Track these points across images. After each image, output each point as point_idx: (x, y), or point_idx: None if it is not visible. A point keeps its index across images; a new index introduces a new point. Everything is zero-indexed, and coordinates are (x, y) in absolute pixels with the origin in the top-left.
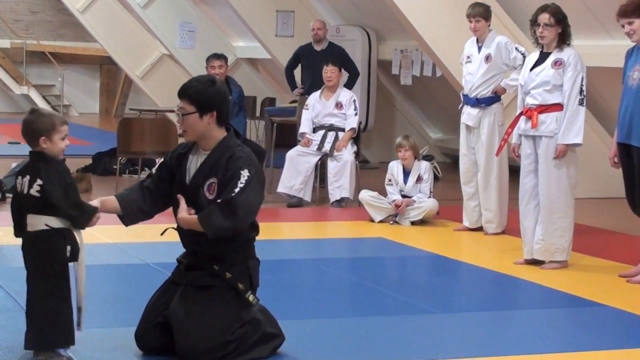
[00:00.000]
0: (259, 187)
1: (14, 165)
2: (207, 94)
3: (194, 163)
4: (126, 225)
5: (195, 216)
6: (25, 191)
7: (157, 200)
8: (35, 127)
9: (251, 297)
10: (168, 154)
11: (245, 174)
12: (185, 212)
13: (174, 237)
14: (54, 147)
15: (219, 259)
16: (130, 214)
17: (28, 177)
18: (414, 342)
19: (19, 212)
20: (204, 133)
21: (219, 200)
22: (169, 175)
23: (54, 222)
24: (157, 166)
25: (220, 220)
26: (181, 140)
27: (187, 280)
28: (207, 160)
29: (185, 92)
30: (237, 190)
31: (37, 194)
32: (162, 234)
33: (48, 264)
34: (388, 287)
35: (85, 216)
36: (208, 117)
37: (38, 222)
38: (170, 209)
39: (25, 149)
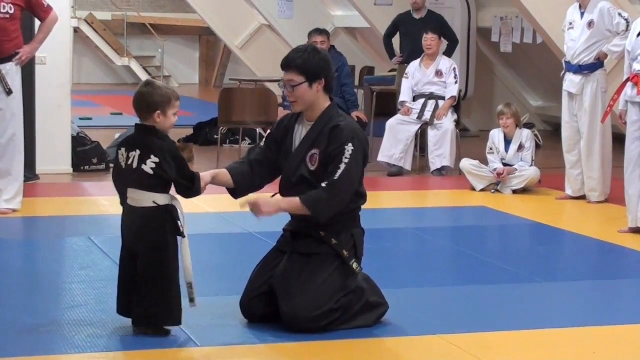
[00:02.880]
0: (361, 158)
1: (117, 135)
2: (314, 63)
3: (299, 133)
4: (236, 198)
5: (296, 199)
6: (135, 165)
7: (265, 171)
8: (151, 100)
9: (355, 265)
10: (274, 125)
11: (349, 149)
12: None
13: None
14: (166, 122)
15: (325, 226)
16: (243, 188)
17: (138, 151)
18: (518, 311)
19: (122, 184)
20: (313, 102)
21: (324, 184)
22: (276, 146)
23: (161, 199)
24: (264, 138)
25: (328, 205)
26: (281, 110)
27: (292, 247)
28: (311, 131)
29: (291, 63)
30: (341, 168)
31: (151, 171)
32: (272, 197)
33: (157, 241)
34: (490, 256)
35: (197, 185)
36: (317, 85)
37: (144, 199)
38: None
39: (127, 120)
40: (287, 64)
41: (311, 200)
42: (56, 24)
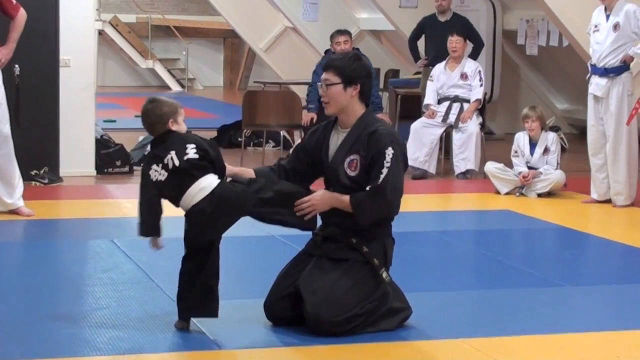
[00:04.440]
0: (402, 164)
1: (140, 138)
2: (353, 67)
3: (334, 141)
4: None
5: (346, 197)
6: (177, 163)
7: (290, 179)
8: (161, 112)
9: (384, 275)
10: (306, 135)
11: (389, 153)
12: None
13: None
14: (180, 128)
15: (358, 233)
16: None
17: (173, 151)
18: (542, 315)
19: (176, 194)
20: (346, 106)
21: (368, 188)
22: (306, 156)
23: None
24: (293, 149)
25: (372, 209)
26: (305, 112)
27: (322, 251)
28: (348, 137)
29: (331, 65)
30: (384, 172)
31: (197, 155)
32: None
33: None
34: (515, 259)
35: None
36: (352, 89)
37: (213, 179)
38: None
39: None
40: (328, 65)
41: (356, 200)
42: (25, 19)
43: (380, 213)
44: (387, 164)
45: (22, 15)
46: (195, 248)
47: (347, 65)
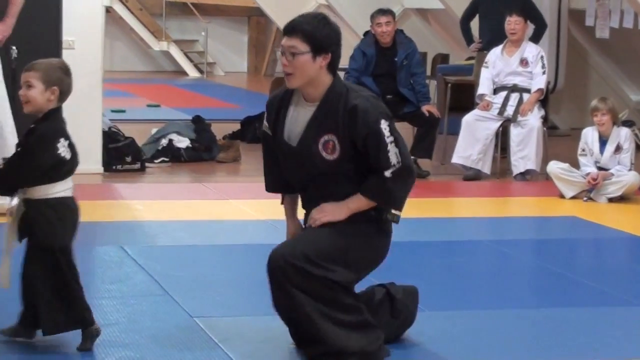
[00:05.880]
0: (395, 127)
1: (154, 130)
2: (324, 33)
3: (295, 118)
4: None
5: (361, 198)
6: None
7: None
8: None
9: (390, 216)
10: (264, 119)
11: (385, 127)
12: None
13: None
14: None
15: None
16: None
17: (62, 139)
18: (613, 338)
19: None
20: (313, 78)
21: (388, 175)
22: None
23: None
24: (262, 139)
25: (404, 192)
26: None
27: None
28: (318, 114)
29: (297, 29)
30: (391, 150)
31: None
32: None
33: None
34: (581, 273)
35: None
36: (321, 59)
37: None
38: None
39: (165, 112)
40: (292, 29)
41: (385, 194)
42: None
43: (409, 189)
44: (389, 139)
45: None
46: None
47: (317, 30)
